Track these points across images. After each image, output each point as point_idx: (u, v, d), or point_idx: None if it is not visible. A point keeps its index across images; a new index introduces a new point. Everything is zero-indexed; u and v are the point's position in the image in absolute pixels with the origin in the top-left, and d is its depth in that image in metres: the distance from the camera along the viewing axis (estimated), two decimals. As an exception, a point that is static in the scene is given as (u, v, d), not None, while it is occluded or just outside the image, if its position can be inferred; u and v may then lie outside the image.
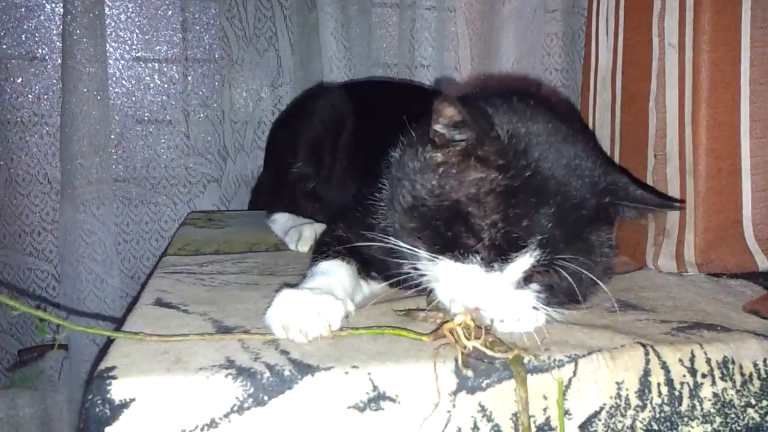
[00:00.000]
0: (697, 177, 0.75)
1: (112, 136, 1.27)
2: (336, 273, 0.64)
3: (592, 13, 0.92)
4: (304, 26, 1.29)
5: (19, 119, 1.25)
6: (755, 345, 0.58)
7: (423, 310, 0.62)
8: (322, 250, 0.68)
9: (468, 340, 0.55)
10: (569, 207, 0.57)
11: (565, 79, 1.39)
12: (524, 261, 0.56)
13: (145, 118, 1.29)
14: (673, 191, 0.78)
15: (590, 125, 0.94)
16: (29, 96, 1.25)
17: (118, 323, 0.65)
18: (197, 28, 1.29)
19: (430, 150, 0.60)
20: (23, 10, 1.21)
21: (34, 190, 1.26)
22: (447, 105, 0.56)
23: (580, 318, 0.63)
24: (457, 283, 0.58)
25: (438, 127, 0.58)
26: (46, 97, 1.25)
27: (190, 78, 1.30)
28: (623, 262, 0.85)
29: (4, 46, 1.22)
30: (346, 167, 0.89)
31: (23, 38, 1.23)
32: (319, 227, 0.88)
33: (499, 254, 0.56)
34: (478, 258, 0.56)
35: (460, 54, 1.35)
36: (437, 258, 0.58)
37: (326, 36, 1.24)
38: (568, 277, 0.57)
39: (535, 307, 0.59)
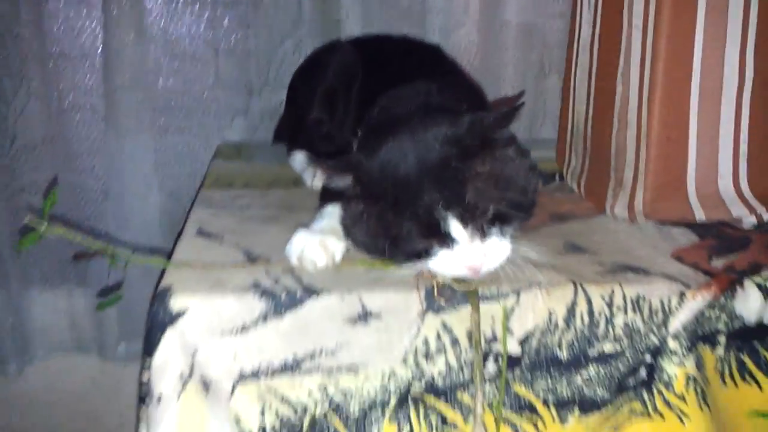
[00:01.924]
0: (649, 143, 0.89)
1: (150, 71, 1.40)
2: (338, 215, 0.80)
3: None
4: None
5: (65, 54, 1.39)
6: (665, 286, 0.74)
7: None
8: (327, 194, 0.84)
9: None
10: (449, 169, 0.70)
11: (566, 24, 1.49)
12: (457, 225, 0.69)
13: (179, 55, 1.42)
14: (630, 153, 0.92)
15: (572, 85, 1.07)
16: (73, 32, 1.38)
17: (170, 249, 0.82)
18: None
19: (351, 210, 0.75)
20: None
21: (81, 118, 1.41)
22: (324, 167, 0.75)
23: (534, 259, 0.79)
24: (446, 265, 0.71)
25: (339, 186, 0.75)
26: (88, 33, 1.38)
27: (219, 19, 1.41)
28: (587, 207, 1.00)
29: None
30: (355, 115, 1.03)
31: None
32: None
33: (439, 237, 0.69)
34: (438, 246, 0.70)
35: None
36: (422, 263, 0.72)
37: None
38: (495, 201, 0.70)
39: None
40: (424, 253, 0.71)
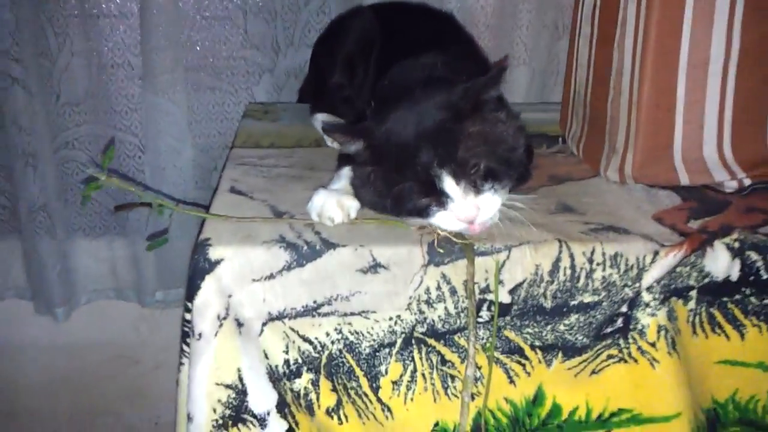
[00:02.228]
0: (639, 108, 0.97)
1: (183, 31, 1.49)
2: (353, 175, 0.90)
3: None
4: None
5: (105, 14, 1.48)
6: (641, 245, 0.84)
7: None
8: (344, 157, 0.94)
9: (442, 231, 0.82)
10: (444, 131, 0.79)
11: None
12: (452, 183, 0.78)
13: (210, 16, 1.51)
14: (623, 119, 1.00)
15: (575, 53, 1.14)
16: (113, -8, 1.47)
17: (207, 204, 0.93)
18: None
19: (360, 173, 0.85)
20: None
21: (120, 75, 1.50)
22: (336, 135, 0.85)
23: (527, 216, 0.88)
24: (444, 221, 0.80)
25: (351, 151, 0.84)
26: (127, -6, 1.47)
27: (247, -19, 1.49)
28: (584, 169, 1.09)
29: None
30: (373, 79, 1.11)
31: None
32: (352, 129, 1.13)
33: (435, 195, 0.79)
34: (437, 204, 0.80)
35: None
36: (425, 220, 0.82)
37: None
38: (484, 160, 0.79)
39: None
40: (425, 210, 0.81)
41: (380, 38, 1.13)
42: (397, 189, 0.80)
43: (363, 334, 0.83)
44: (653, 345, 0.86)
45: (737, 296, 0.88)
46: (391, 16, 1.19)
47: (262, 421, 0.84)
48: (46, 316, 1.64)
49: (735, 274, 0.87)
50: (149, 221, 1.58)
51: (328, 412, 0.84)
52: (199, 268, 0.78)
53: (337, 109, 1.19)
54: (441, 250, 0.80)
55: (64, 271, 1.60)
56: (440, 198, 0.79)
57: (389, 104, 0.86)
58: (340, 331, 0.82)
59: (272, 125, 1.27)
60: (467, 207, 0.78)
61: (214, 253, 0.78)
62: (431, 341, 0.84)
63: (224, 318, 0.80)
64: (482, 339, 0.85)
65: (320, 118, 1.22)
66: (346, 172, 0.91)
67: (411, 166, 0.79)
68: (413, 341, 0.84)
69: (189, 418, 0.82)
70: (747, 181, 1.01)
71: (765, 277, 0.87)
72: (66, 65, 1.48)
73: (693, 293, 0.87)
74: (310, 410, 0.84)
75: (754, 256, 0.86)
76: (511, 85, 1.58)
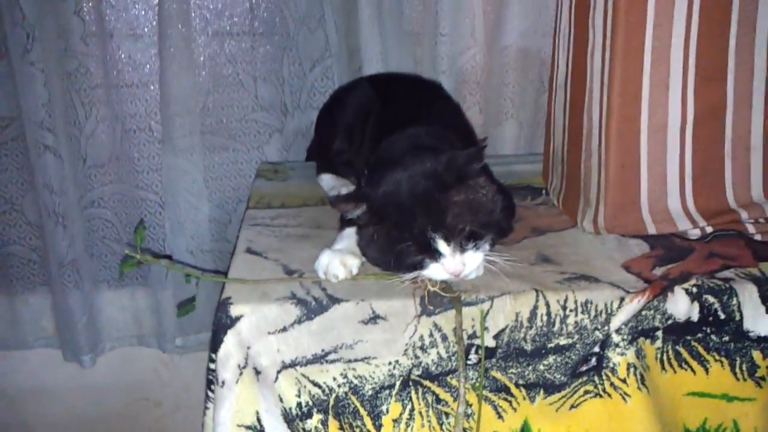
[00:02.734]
0: (607, 169, 1.09)
1: (199, 98, 1.63)
2: (354, 235, 1.02)
3: (556, 30, 1.23)
4: (345, 7, 1.59)
5: (127, 84, 1.62)
6: (609, 292, 0.95)
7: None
8: (344, 220, 1.06)
9: (432, 286, 0.94)
10: (432, 200, 0.92)
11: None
12: (443, 243, 0.91)
13: (223, 82, 1.65)
14: (594, 177, 1.12)
15: (552, 116, 1.27)
16: (134, 65, 1.61)
17: (226, 255, 1.05)
18: (261, 9, 1.61)
19: (364, 233, 0.97)
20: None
21: (141, 139, 1.64)
22: (341, 204, 0.97)
23: (506, 268, 1.00)
24: (434, 272, 0.93)
25: (355, 215, 0.96)
26: (147, 66, 1.60)
27: (257, 49, 1.63)
28: (563, 220, 1.21)
29: (111, 26, 1.57)
30: (369, 145, 1.24)
31: (125, 17, 1.58)
32: (352, 189, 1.26)
33: (428, 252, 0.92)
34: (428, 260, 0.92)
35: (475, 24, 1.65)
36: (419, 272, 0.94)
37: (363, 20, 1.55)
38: (469, 224, 0.92)
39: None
40: (420, 264, 0.93)
41: (376, 107, 1.27)
42: (399, 248, 0.93)
43: (366, 378, 0.94)
44: (624, 381, 0.97)
45: (699, 335, 0.99)
46: (386, 87, 1.32)
47: (279, 457, 0.95)
48: (73, 363, 1.76)
49: (695, 316, 0.98)
50: (168, 273, 1.71)
51: (337, 448, 0.95)
52: (221, 324, 0.90)
53: (339, 170, 1.32)
54: (431, 307, 0.92)
55: (91, 321, 1.72)
56: (434, 255, 0.92)
57: (382, 170, 0.99)
58: (346, 376, 0.94)
59: (282, 185, 1.40)
60: (456, 263, 0.92)
61: (234, 311, 0.90)
62: (426, 382, 0.96)
63: (244, 367, 0.92)
64: (472, 379, 0.96)
65: (325, 178, 1.35)
66: (348, 232, 1.03)
67: (409, 229, 0.92)
68: (410, 383, 0.95)
69: (214, 456, 0.93)
70: (709, 229, 1.12)
71: (722, 317, 0.98)
72: (92, 131, 1.62)
73: (659, 333, 0.98)
74: (321, 447, 0.95)
75: (711, 299, 0.97)
76: (500, 138, 1.71)
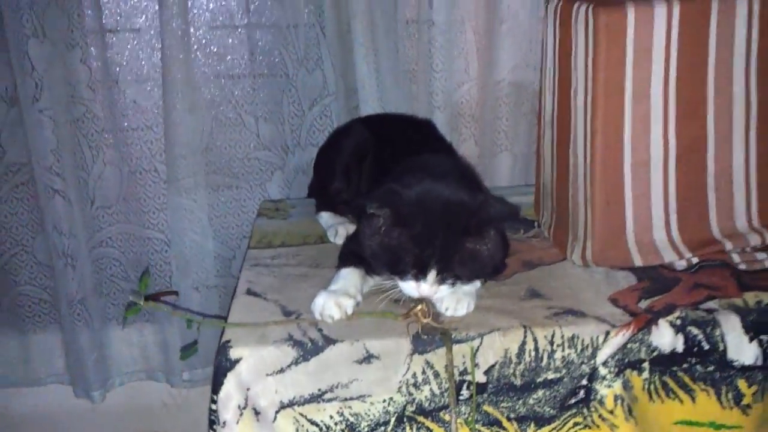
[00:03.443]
0: (593, 205, 1.12)
1: (203, 139, 1.68)
2: (350, 276, 1.06)
3: (542, 69, 1.27)
4: (342, 48, 1.65)
5: (133, 128, 1.68)
6: (594, 327, 0.99)
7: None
8: (342, 259, 1.11)
9: (424, 319, 0.98)
10: (451, 234, 0.98)
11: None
12: (433, 273, 0.97)
13: (226, 123, 1.70)
14: (581, 213, 1.15)
15: (541, 153, 1.31)
16: (139, 109, 1.67)
17: (227, 311, 1.09)
18: (261, 51, 1.66)
19: (373, 222, 1.02)
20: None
21: (147, 180, 1.69)
22: (376, 202, 1.00)
23: (497, 304, 1.04)
24: (407, 287, 1.00)
25: (373, 210, 1.01)
26: (154, 110, 1.66)
27: (258, 90, 1.68)
28: (553, 253, 1.24)
29: (116, 72, 1.63)
30: (366, 185, 1.29)
31: (130, 63, 1.64)
32: (350, 227, 1.30)
33: (419, 272, 0.98)
34: (411, 276, 0.98)
35: (468, 60, 1.71)
36: (393, 277, 1.01)
37: (359, 60, 1.60)
38: (461, 273, 0.99)
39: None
40: (403, 274, 1.00)
41: (372, 148, 1.31)
42: (398, 254, 0.99)
43: (362, 416, 0.97)
44: (612, 412, 1.00)
45: (685, 365, 1.02)
46: (380, 127, 1.37)
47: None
48: (84, 399, 1.80)
49: (680, 347, 1.01)
50: (188, 329, 1.75)
51: (335, 484, 0.98)
52: (222, 367, 0.94)
53: (337, 208, 1.37)
54: (425, 337, 0.96)
55: (100, 357, 1.77)
56: (418, 275, 0.99)
57: (416, 176, 1.04)
58: (342, 414, 0.97)
59: (282, 223, 1.44)
60: (429, 290, 1.00)
61: (234, 353, 0.94)
62: (420, 418, 0.99)
63: (244, 408, 0.95)
64: (464, 414, 0.99)
65: (324, 216, 1.39)
66: (344, 273, 1.07)
67: (419, 247, 0.98)
68: (405, 419, 0.98)
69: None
70: (695, 260, 1.16)
71: (707, 348, 1.01)
72: (100, 174, 1.68)
73: (645, 365, 1.01)
74: (321, 482, 0.98)
75: (695, 330, 1.00)
76: (496, 169, 1.76)
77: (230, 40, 1.65)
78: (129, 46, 1.63)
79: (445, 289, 1.00)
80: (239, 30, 1.64)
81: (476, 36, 1.68)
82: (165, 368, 1.82)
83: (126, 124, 1.67)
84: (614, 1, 1.06)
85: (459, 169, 1.18)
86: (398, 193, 1.01)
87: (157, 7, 1.56)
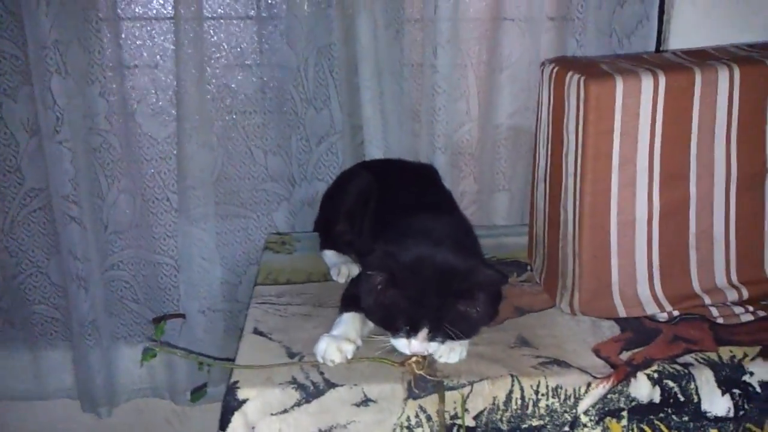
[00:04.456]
0: (581, 259, 1.20)
1: (213, 171, 1.76)
2: (351, 321, 1.13)
3: (537, 127, 1.35)
4: (349, 88, 1.72)
5: (147, 159, 1.75)
6: (577, 377, 1.06)
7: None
8: (344, 303, 1.18)
9: (418, 370, 1.05)
10: (443, 296, 1.06)
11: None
12: (424, 331, 1.05)
13: (236, 157, 1.78)
14: (569, 265, 1.23)
15: (534, 204, 1.39)
16: (154, 141, 1.74)
17: (234, 354, 1.17)
18: (272, 89, 1.74)
19: (370, 281, 1.09)
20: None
21: (159, 209, 1.76)
22: (373, 266, 1.08)
23: (488, 351, 1.11)
24: (399, 344, 1.08)
25: (370, 272, 1.09)
26: (168, 143, 1.74)
27: (267, 126, 1.76)
28: (544, 299, 1.32)
29: (133, 106, 1.70)
30: (369, 229, 1.37)
31: (147, 98, 1.72)
32: (353, 266, 1.38)
33: (411, 330, 1.05)
34: (404, 333, 1.06)
35: (470, 103, 1.78)
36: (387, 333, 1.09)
37: (365, 101, 1.68)
38: (452, 332, 1.06)
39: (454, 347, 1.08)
40: (396, 331, 1.07)
41: (375, 193, 1.39)
42: (393, 312, 1.07)
43: (359, 454, 1.05)
44: (592, 457, 1.07)
45: (661, 414, 1.09)
46: (383, 173, 1.45)
47: None
48: (91, 414, 1.87)
49: (657, 398, 1.08)
50: (180, 332, 1.83)
51: None
52: (229, 406, 1.01)
53: (340, 248, 1.44)
54: (417, 390, 1.03)
55: (108, 375, 1.84)
56: (410, 333, 1.06)
57: (413, 243, 1.12)
58: (341, 453, 1.05)
59: (288, 258, 1.52)
60: (420, 347, 1.06)
61: (241, 394, 1.02)
62: (413, 458, 1.06)
63: (249, 445, 1.03)
64: (455, 455, 1.06)
65: (328, 254, 1.47)
66: (345, 317, 1.14)
67: (412, 306, 1.06)
68: (399, 458, 1.06)
69: None
70: (676, 312, 1.23)
71: (682, 399, 1.08)
72: (114, 201, 1.76)
73: (624, 413, 1.08)
74: None
75: (671, 383, 1.08)
76: (493, 207, 1.83)
77: (243, 78, 1.73)
78: (145, 81, 1.70)
79: (434, 346, 1.07)
80: (251, 68, 1.72)
81: (477, 80, 1.76)
82: (170, 386, 1.89)
83: (140, 155, 1.74)
84: (603, 72, 1.14)
85: (455, 231, 1.25)
86: (395, 257, 1.09)
87: (173, 46, 1.65)
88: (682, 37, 1.69)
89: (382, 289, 1.09)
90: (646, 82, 1.13)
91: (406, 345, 1.07)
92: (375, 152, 1.71)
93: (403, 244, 1.12)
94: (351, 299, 1.17)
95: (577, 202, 1.19)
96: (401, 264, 1.08)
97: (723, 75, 1.15)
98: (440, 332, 1.06)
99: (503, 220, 1.83)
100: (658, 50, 1.70)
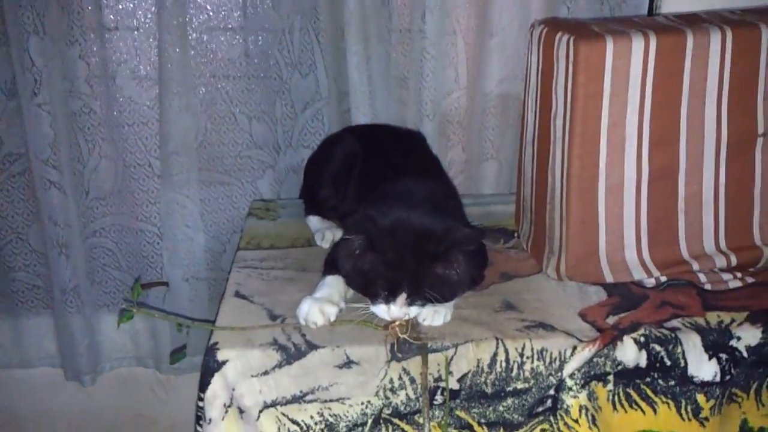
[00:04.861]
0: (568, 223, 1.18)
1: (197, 136, 1.72)
2: (334, 284, 1.11)
3: (525, 91, 1.32)
4: (336, 53, 1.69)
5: (129, 123, 1.72)
6: (563, 340, 1.05)
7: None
8: (327, 266, 1.16)
9: (401, 333, 1.03)
10: (420, 260, 1.04)
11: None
12: (402, 296, 1.03)
13: (220, 122, 1.74)
14: (557, 229, 1.21)
15: (522, 169, 1.37)
16: (135, 106, 1.71)
17: (215, 312, 1.15)
18: (256, 54, 1.71)
19: (348, 245, 1.07)
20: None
21: (141, 175, 1.73)
22: (351, 229, 1.05)
23: (473, 315, 1.10)
24: (378, 310, 1.05)
25: (348, 236, 1.06)
26: (150, 107, 1.70)
27: (252, 91, 1.72)
28: (531, 265, 1.30)
29: (114, 69, 1.66)
30: (354, 194, 1.34)
31: (128, 61, 1.68)
32: (337, 231, 1.35)
33: (389, 295, 1.03)
34: (383, 299, 1.04)
35: (458, 70, 1.75)
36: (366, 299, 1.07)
37: (352, 67, 1.65)
38: (431, 296, 1.04)
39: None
40: (374, 297, 1.05)
41: (360, 159, 1.36)
42: (371, 278, 1.05)
43: (340, 417, 1.03)
44: (576, 421, 1.06)
45: (648, 379, 1.08)
46: (369, 139, 1.42)
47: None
48: (74, 382, 1.85)
49: (643, 362, 1.07)
50: (165, 300, 1.81)
51: (313, 480, 1.05)
52: (209, 367, 1.00)
53: (325, 213, 1.42)
54: (400, 354, 1.02)
55: (91, 343, 1.82)
56: (389, 298, 1.04)
57: (392, 207, 1.09)
58: (322, 415, 1.03)
59: (272, 224, 1.50)
60: (399, 312, 1.05)
61: (221, 355, 1.00)
62: (396, 421, 1.05)
63: (229, 406, 1.01)
64: (438, 417, 1.05)
65: (312, 220, 1.45)
66: (328, 281, 1.12)
67: (391, 271, 1.04)
68: (381, 421, 1.05)
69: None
70: (663, 278, 1.22)
71: (668, 363, 1.08)
72: (95, 167, 1.72)
73: (610, 377, 1.07)
74: (299, 478, 1.04)
75: (657, 347, 1.07)
76: (482, 176, 1.81)
77: (226, 42, 1.69)
78: (127, 44, 1.66)
79: (414, 311, 1.05)
80: (235, 32, 1.68)
81: (467, 47, 1.72)
82: (154, 355, 1.87)
83: (122, 119, 1.70)
84: (594, 33, 1.12)
85: (437, 195, 1.23)
86: (373, 220, 1.06)
87: (155, 8, 1.61)
88: (675, 5, 1.66)
89: (360, 254, 1.07)
90: (637, 44, 1.10)
91: (385, 311, 1.05)
92: (361, 119, 1.68)
93: (382, 208, 1.09)
94: (334, 262, 1.15)
95: (565, 166, 1.17)
96: (379, 227, 1.06)
97: (715, 38, 1.13)
98: (419, 296, 1.04)
99: (491, 189, 1.81)
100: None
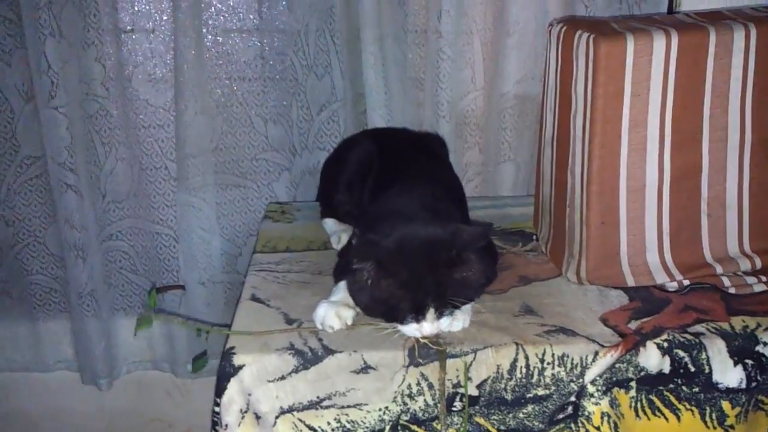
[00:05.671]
0: (588, 225, 1.16)
1: (213, 139, 1.72)
2: (349, 288, 1.10)
3: (544, 91, 1.30)
4: (351, 55, 1.68)
5: (145, 126, 1.72)
6: (584, 346, 1.02)
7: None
8: (337, 274, 1.15)
9: (420, 339, 1.02)
10: (437, 270, 1.01)
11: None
12: (431, 312, 1.00)
13: (236, 124, 1.74)
14: (577, 232, 1.19)
15: (541, 170, 1.34)
16: (152, 108, 1.70)
17: (231, 317, 1.14)
18: (272, 56, 1.70)
19: (358, 276, 1.03)
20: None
21: (158, 177, 1.73)
22: (356, 255, 1.02)
23: (492, 319, 1.08)
24: (409, 330, 1.01)
25: (357, 266, 1.03)
26: (166, 110, 1.70)
27: (268, 94, 1.72)
28: (550, 268, 1.28)
29: (130, 72, 1.66)
30: (369, 199, 1.33)
31: (144, 63, 1.68)
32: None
33: (418, 315, 1.00)
34: (411, 319, 1.01)
35: (475, 70, 1.74)
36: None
37: (368, 68, 1.64)
38: (456, 302, 1.02)
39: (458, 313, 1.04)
40: (404, 319, 1.02)
41: (376, 164, 1.35)
42: (393, 302, 1.01)
43: (358, 423, 1.02)
44: (598, 429, 1.04)
45: (671, 385, 1.06)
46: (386, 143, 1.41)
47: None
48: (91, 386, 1.86)
49: (667, 368, 1.05)
50: (180, 303, 1.80)
51: (331, 487, 1.03)
52: (225, 372, 0.99)
53: (341, 217, 1.41)
54: (420, 359, 1.00)
55: (108, 346, 1.82)
56: (418, 317, 1.01)
57: (393, 225, 1.06)
58: (339, 421, 1.02)
59: (288, 227, 1.49)
60: (432, 328, 1.01)
61: (237, 360, 0.99)
62: (414, 427, 1.03)
63: (245, 412, 1.00)
64: (456, 424, 1.03)
65: (328, 222, 1.44)
66: (343, 285, 1.11)
67: (411, 292, 1.00)
68: (399, 428, 1.03)
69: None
70: (686, 282, 1.19)
71: (693, 370, 1.05)
72: (111, 170, 1.73)
73: (633, 384, 1.05)
74: (316, 485, 1.03)
75: (681, 353, 1.04)
76: (499, 177, 1.79)
77: (242, 44, 1.69)
78: (143, 47, 1.66)
79: (445, 322, 1.02)
80: (251, 34, 1.68)
81: (483, 47, 1.71)
82: (170, 359, 1.87)
83: (138, 122, 1.71)
84: (614, 31, 1.09)
85: (433, 197, 1.20)
86: (376, 245, 1.03)
87: (170, 10, 1.61)
88: (695, 3, 1.63)
89: (374, 283, 1.02)
90: (658, 42, 1.08)
91: (417, 329, 1.01)
92: (377, 121, 1.67)
93: (382, 227, 1.06)
94: (346, 266, 1.14)
95: (585, 167, 1.15)
96: (385, 250, 1.02)
97: (739, 35, 1.10)
98: (446, 307, 1.01)
99: (509, 191, 1.79)
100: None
